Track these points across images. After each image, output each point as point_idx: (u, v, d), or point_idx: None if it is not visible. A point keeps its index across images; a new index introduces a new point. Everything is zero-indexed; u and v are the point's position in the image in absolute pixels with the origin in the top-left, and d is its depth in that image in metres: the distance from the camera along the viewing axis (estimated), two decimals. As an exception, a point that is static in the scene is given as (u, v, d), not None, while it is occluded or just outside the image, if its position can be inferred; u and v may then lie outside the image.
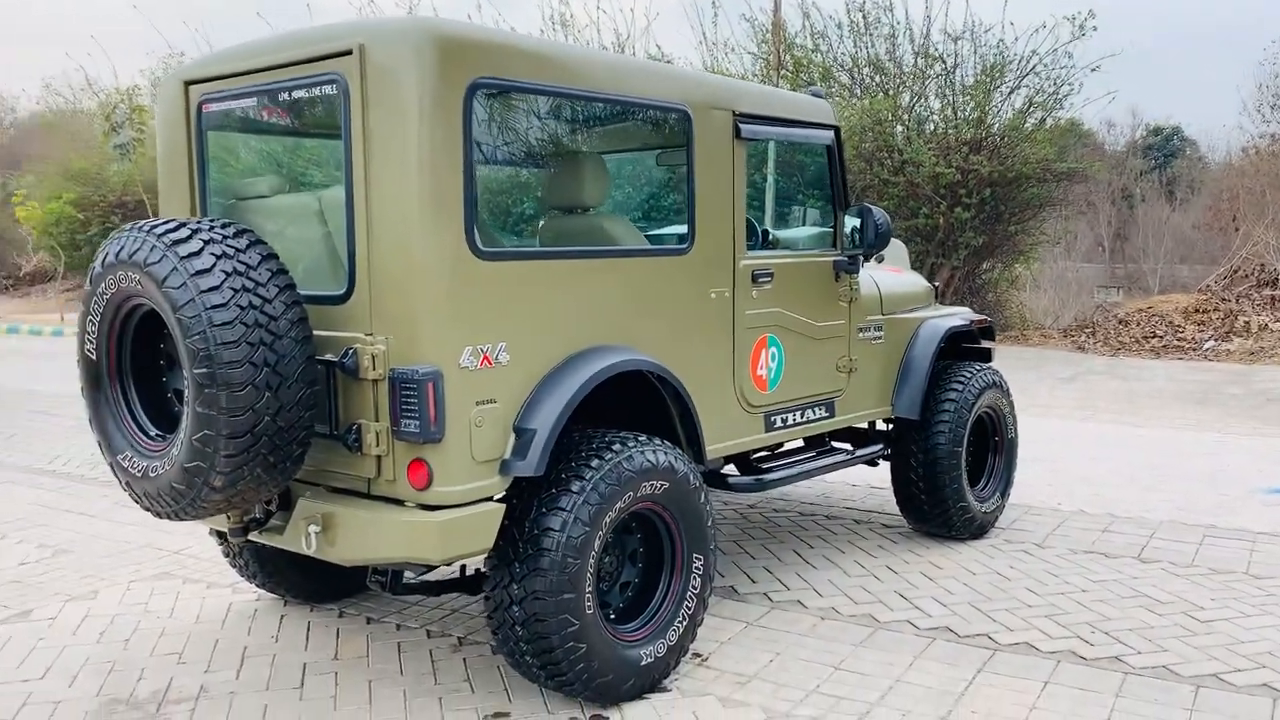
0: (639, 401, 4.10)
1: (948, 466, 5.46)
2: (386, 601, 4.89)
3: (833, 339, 5.02)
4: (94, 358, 3.55)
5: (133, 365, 3.58)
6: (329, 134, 3.85)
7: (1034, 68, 15.35)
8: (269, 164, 4.30)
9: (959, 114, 15.62)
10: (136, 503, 3.53)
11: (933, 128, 15.94)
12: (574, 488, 3.57)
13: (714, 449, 4.33)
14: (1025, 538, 5.81)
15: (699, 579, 4.00)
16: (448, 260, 3.37)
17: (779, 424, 4.73)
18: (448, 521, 3.33)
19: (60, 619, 4.72)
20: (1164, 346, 15.44)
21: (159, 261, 3.22)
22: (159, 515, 3.50)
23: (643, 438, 3.82)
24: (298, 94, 3.66)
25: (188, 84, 3.99)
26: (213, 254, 3.23)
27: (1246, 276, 17.01)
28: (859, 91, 16.35)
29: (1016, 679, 3.96)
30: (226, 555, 4.73)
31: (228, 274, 3.21)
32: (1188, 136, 38.35)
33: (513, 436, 3.55)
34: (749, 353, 4.52)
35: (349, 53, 3.40)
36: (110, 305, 3.44)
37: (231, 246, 3.29)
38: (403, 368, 3.33)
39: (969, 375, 5.64)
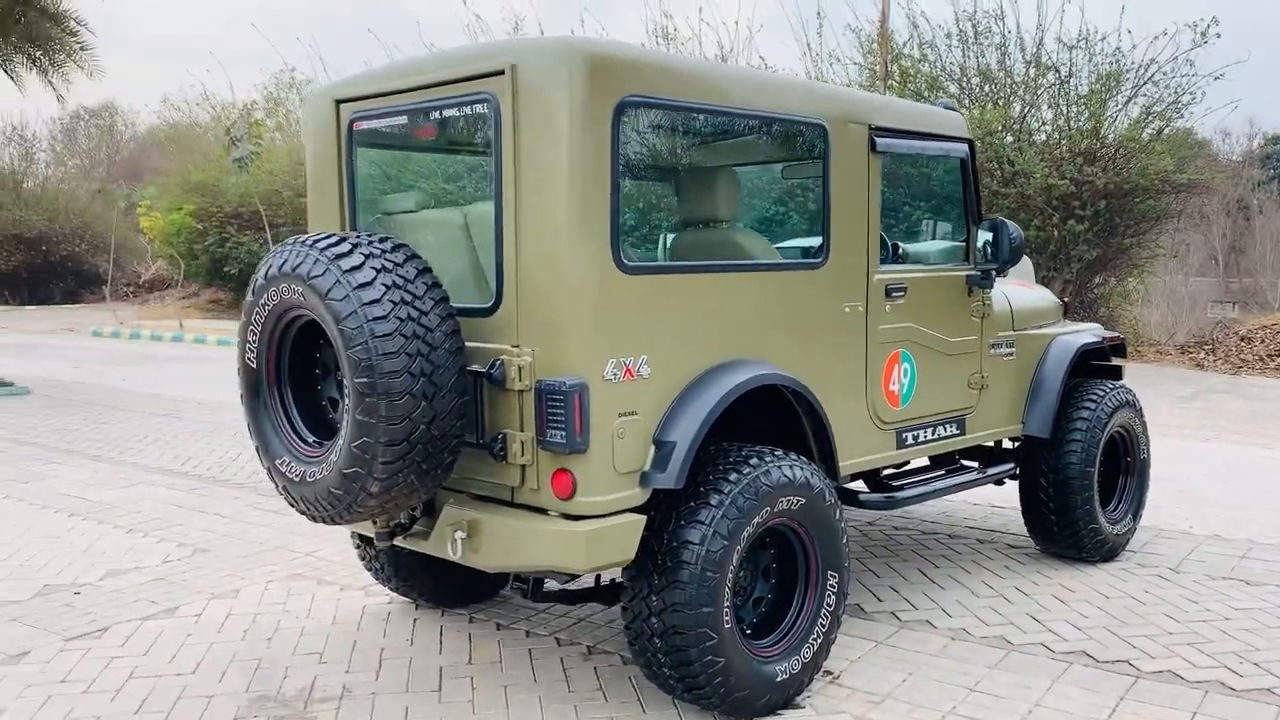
0: (771, 416, 4.10)
1: (1079, 487, 5.33)
2: (514, 608, 4.97)
3: (965, 355, 4.95)
4: (254, 366, 3.69)
5: (291, 374, 3.72)
6: (477, 151, 3.96)
7: (1152, 76, 14.92)
8: (415, 179, 4.43)
9: (1072, 124, 15.25)
10: (292, 506, 3.66)
11: (1044, 138, 15.60)
12: (713, 501, 3.59)
13: (846, 465, 4.31)
14: (1158, 562, 5.64)
15: (833, 596, 3.98)
16: (594, 274, 3.42)
17: (910, 441, 4.69)
18: (593, 531, 3.38)
19: (205, 616, 4.91)
20: (1291, 365, 14.83)
21: (322, 275, 3.34)
22: (314, 519, 3.62)
23: (779, 452, 3.82)
24: (448, 112, 3.76)
25: (339, 102, 4.13)
26: (373, 268, 3.34)
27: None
28: (968, 102, 16.09)
29: (1163, 708, 3.85)
30: (363, 559, 4.87)
31: (388, 287, 3.31)
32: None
33: (652, 449, 3.59)
34: (881, 368, 4.49)
35: (501, 72, 3.48)
36: (271, 316, 3.58)
37: (390, 260, 3.40)
38: (549, 379, 3.40)
39: (1102, 393, 5.50)
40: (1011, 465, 5.30)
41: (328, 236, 3.46)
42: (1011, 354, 5.29)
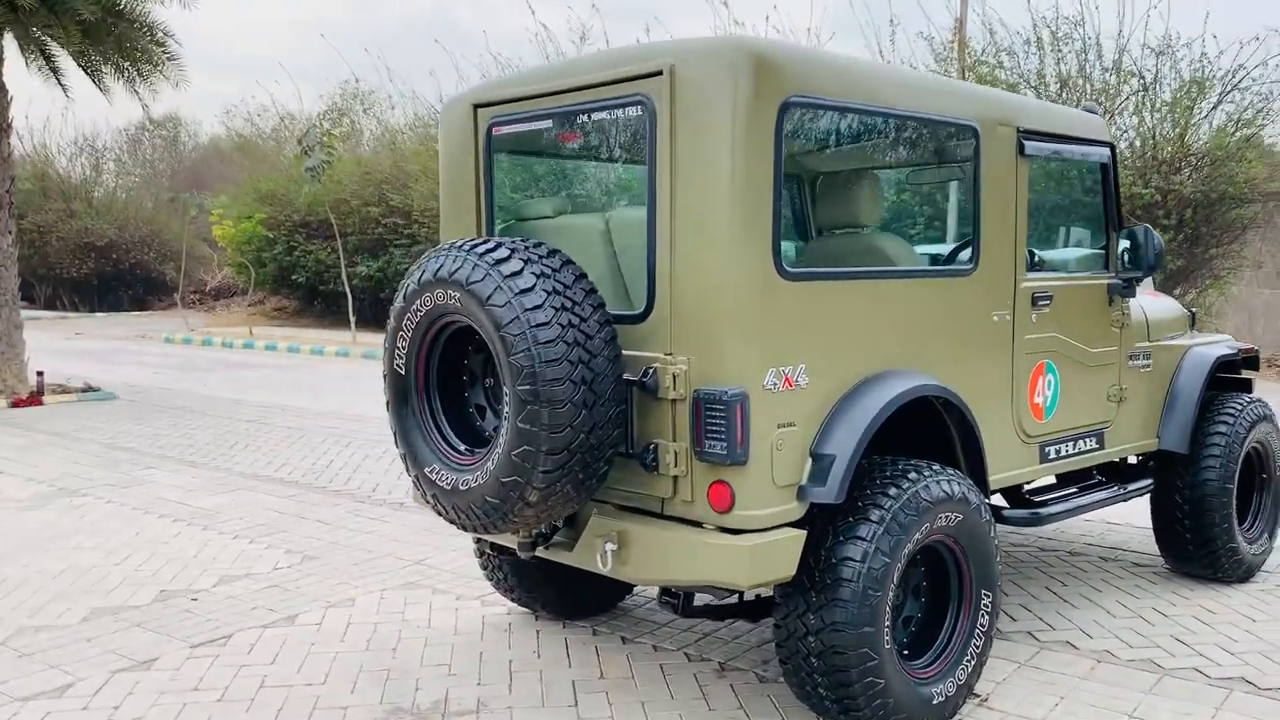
0: (919, 428, 3.97)
1: (1217, 505, 5.13)
2: (636, 620, 4.88)
3: (1105, 366, 4.79)
4: (403, 373, 3.64)
5: (440, 381, 3.66)
6: (624, 155, 3.88)
7: (1239, 82, 14.56)
8: (552, 185, 4.37)
9: (1157, 132, 14.92)
10: (441, 515, 3.60)
11: (1126, 146, 15.28)
12: (873, 516, 3.47)
13: (993, 480, 4.17)
14: (1297, 583, 5.41)
15: (987, 616, 3.84)
16: (755, 280, 3.33)
17: (1052, 455, 4.53)
18: (758, 546, 3.27)
19: (326, 624, 4.88)
20: (1385, 380, 14.35)
21: (482, 280, 3.27)
22: (464, 528, 3.56)
23: (936, 466, 3.70)
24: (598, 116, 3.69)
25: (477, 107, 4.08)
26: (534, 273, 3.27)
27: None
28: (1047, 109, 15.78)
29: (1340, 739, 3.66)
30: (485, 568, 4.80)
31: (549, 293, 3.25)
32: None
33: (809, 461, 3.48)
34: (1027, 379, 4.34)
35: (658, 74, 3.40)
36: (424, 322, 3.53)
37: (549, 266, 3.33)
38: (709, 388, 3.30)
39: (1239, 407, 5.30)
40: (1150, 481, 5.11)
41: (485, 242, 3.40)
42: (1149, 365, 5.11)
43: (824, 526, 3.51)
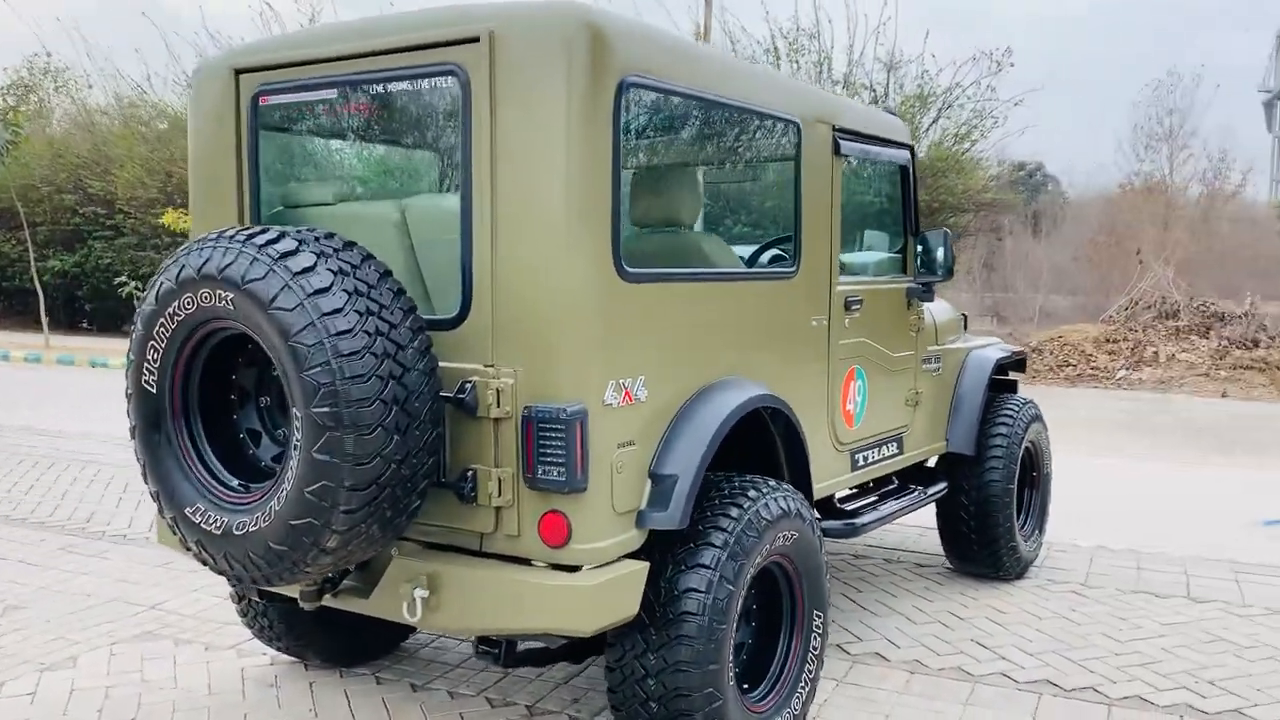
0: (744, 440, 3.70)
1: (1001, 505, 5.22)
2: (424, 662, 4.35)
3: (904, 371, 4.74)
4: (154, 391, 2.96)
5: (201, 402, 3.01)
6: (426, 134, 3.36)
7: (957, 99, 15.62)
8: (331, 166, 3.76)
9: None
10: (208, 566, 2.95)
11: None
12: (716, 541, 3.15)
13: (815, 491, 3.96)
14: (1065, 577, 5.62)
15: (818, 638, 3.62)
16: (596, 282, 2.93)
17: (861, 462, 4.41)
18: (602, 585, 2.87)
19: (41, 694, 4.02)
20: (1078, 375, 15.83)
21: (263, 278, 2.68)
22: (239, 580, 2.93)
23: (771, 481, 3.43)
24: (397, 87, 3.16)
25: (238, 72, 3.43)
26: (330, 270, 2.71)
27: (1149, 308, 17.63)
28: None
29: (1151, 738, 3.71)
30: (244, 615, 4.11)
31: (350, 294, 2.70)
32: (1049, 173, 40.25)
33: (648, 483, 3.12)
34: (840, 386, 4.18)
35: (474, 39, 2.93)
36: (182, 329, 2.87)
37: (347, 262, 2.78)
38: (544, 405, 2.87)
39: (1016, 408, 5.43)
40: (945, 484, 5.12)
41: (264, 232, 2.80)
42: (938, 369, 5.13)
43: (662, 555, 3.15)
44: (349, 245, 2.86)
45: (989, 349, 5.57)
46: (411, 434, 2.74)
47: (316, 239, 2.81)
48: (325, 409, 2.61)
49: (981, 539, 5.29)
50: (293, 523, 2.70)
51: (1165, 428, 11.78)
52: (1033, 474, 5.74)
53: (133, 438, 3.04)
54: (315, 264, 2.70)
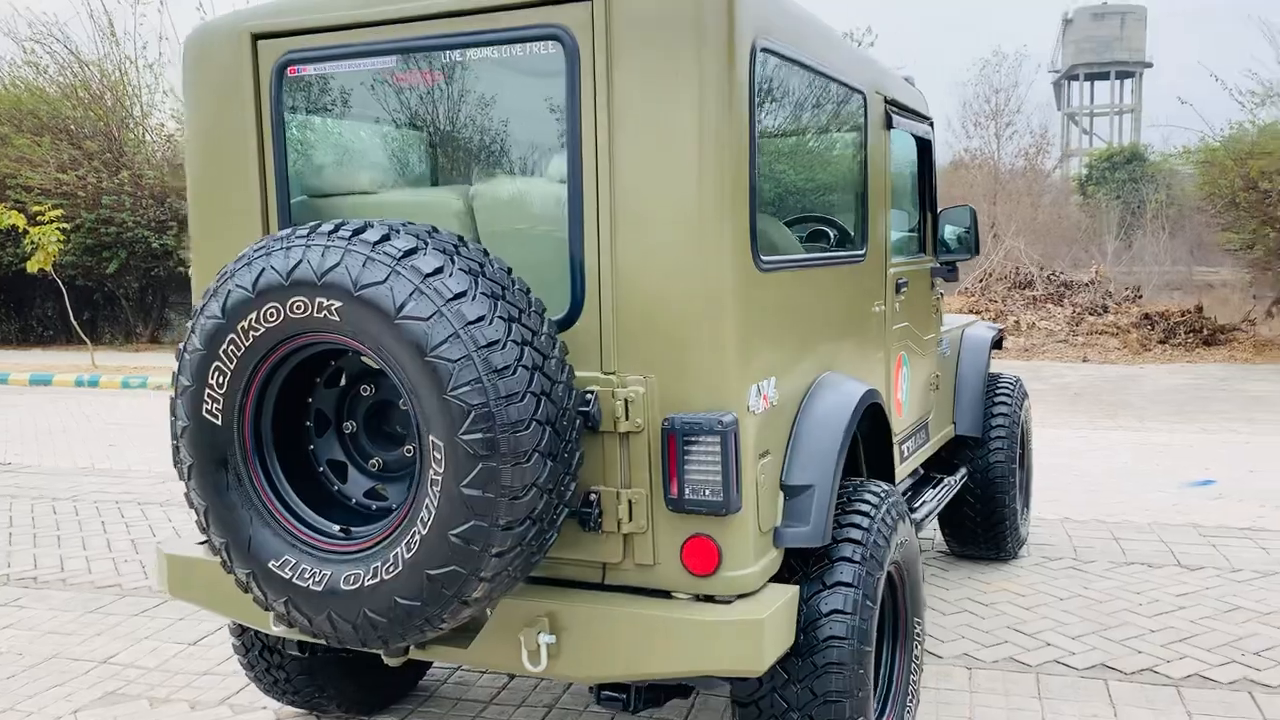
0: None
1: (1006, 485, 5.15)
2: (450, 704, 3.90)
3: (930, 355, 4.56)
4: (218, 423, 2.44)
5: (275, 434, 2.51)
6: (507, 109, 2.92)
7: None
8: (365, 147, 3.25)
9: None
10: (299, 625, 2.46)
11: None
12: (853, 555, 2.87)
13: (888, 489, 3.73)
14: (1054, 553, 5.61)
15: (919, 645, 3.40)
16: (737, 274, 2.58)
17: (906, 453, 4.20)
18: (774, 616, 2.54)
19: (12, 783, 3.38)
20: (948, 346, 16.28)
21: (383, 282, 2.22)
22: (345, 641, 2.46)
23: (882, 485, 3.17)
24: (477, 54, 2.72)
25: (256, 37, 2.91)
26: (463, 270, 2.27)
27: (1003, 279, 18.34)
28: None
29: (1235, 719, 3.66)
30: (251, 666, 3.58)
31: (491, 299, 2.27)
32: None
33: (781, 496, 2.81)
34: (894, 374, 3.97)
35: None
36: (260, 346, 2.37)
37: (474, 261, 2.35)
38: (690, 416, 2.51)
39: (1011, 387, 5.37)
40: (965, 470, 4.99)
41: (367, 227, 2.33)
42: (948, 352, 4.99)
43: (797, 574, 2.85)
44: (464, 241, 2.42)
45: (977, 328, 5.48)
46: (561, 458, 2.34)
47: (431, 234, 2.36)
48: (478, 435, 2.18)
49: (986, 521, 5.20)
50: (431, 573, 2.26)
51: (1046, 395, 12.16)
52: (1022, 452, 5.70)
53: (186, 479, 2.51)
54: (446, 265, 2.26)
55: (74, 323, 16.10)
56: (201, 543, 3.20)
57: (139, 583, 5.36)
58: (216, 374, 2.41)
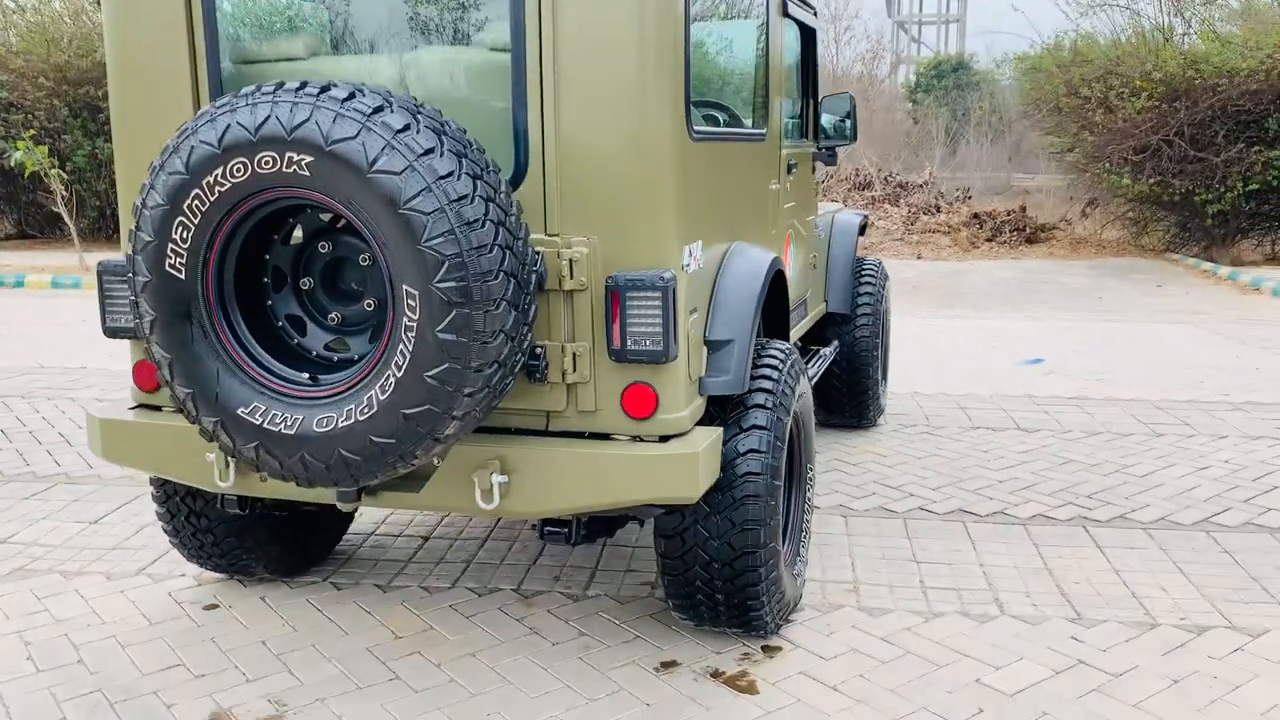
0: None
1: (870, 359, 5.60)
2: (372, 564, 4.08)
3: (810, 236, 4.90)
4: (181, 276, 2.52)
5: (236, 288, 2.60)
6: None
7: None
8: (294, 14, 3.26)
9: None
10: (268, 469, 2.61)
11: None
12: (765, 403, 3.18)
13: (781, 352, 4.07)
14: (909, 421, 6.15)
15: (811, 489, 3.78)
16: (674, 141, 2.80)
17: (793, 325, 4.54)
18: (707, 450, 2.83)
19: (-61, 651, 3.40)
20: (793, 244, 16.91)
21: (355, 137, 2.34)
22: (312, 483, 2.62)
23: (783, 343, 3.49)
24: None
25: None
26: (430, 129, 2.41)
27: (844, 180, 19.05)
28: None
29: (1076, 548, 4.21)
30: (175, 533, 3.67)
31: (457, 156, 2.42)
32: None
33: (705, 350, 3.08)
34: (784, 251, 4.27)
35: None
36: (226, 201, 2.46)
37: (435, 120, 2.48)
38: (632, 274, 2.74)
39: (874, 267, 5.79)
40: (837, 343, 5.39)
41: (329, 86, 2.42)
42: (822, 235, 5.34)
43: (716, 419, 3.14)
44: (421, 103, 2.54)
45: (845, 214, 5.85)
46: (521, 308, 2.54)
47: (391, 95, 2.48)
48: (452, 283, 2.35)
49: (852, 391, 5.66)
50: (407, 411, 2.44)
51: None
52: (882, 330, 6.17)
53: (145, 332, 2.59)
54: (412, 123, 2.39)
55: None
56: (134, 407, 3.27)
57: (20, 469, 5.27)
58: (180, 229, 2.48)
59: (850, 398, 5.69)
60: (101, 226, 16.80)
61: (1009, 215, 16.98)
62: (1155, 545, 4.23)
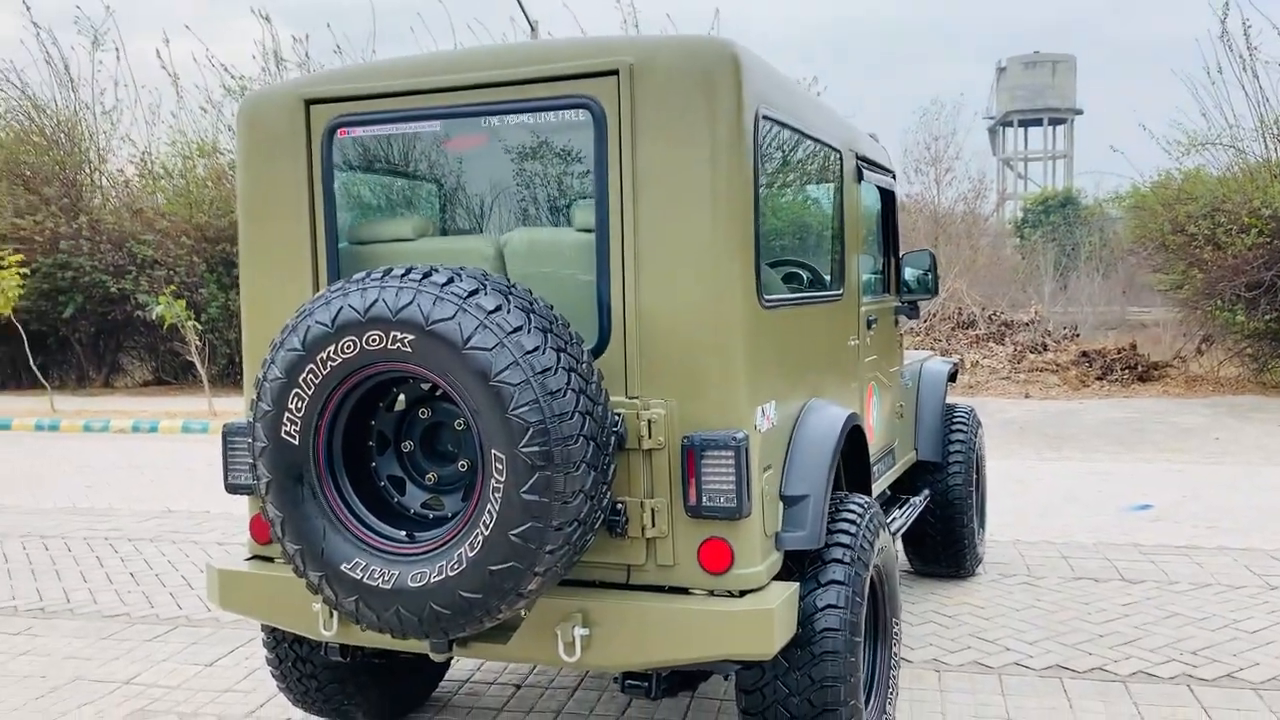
0: None
1: (964, 507, 5.58)
2: (464, 711, 4.20)
3: (895, 386, 5.00)
4: (295, 443, 2.77)
5: (345, 451, 2.85)
6: (536, 167, 3.31)
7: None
8: (404, 200, 3.61)
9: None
10: (369, 624, 2.79)
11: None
12: (843, 557, 3.26)
13: (864, 505, 4.14)
14: (1009, 570, 6.05)
15: (898, 644, 3.79)
16: (744, 310, 2.99)
17: (877, 475, 4.62)
18: (782, 606, 2.92)
19: (63, 789, 3.62)
20: (896, 384, 16.86)
21: (452, 318, 2.59)
22: (407, 635, 2.78)
23: (864, 497, 3.58)
24: (511, 120, 3.11)
25: (309, 103, 3.28)
26: (519, 309, 2.65)
27: (946, 319, 19.03)
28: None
29: (1177, 707, 4.08)
30: (283, 677, 3.85)
31: (543, 332, 2.65)
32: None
33: (780, 505, 3.20)
34: (866, 402, 4.39)
35: (613, 73, 2.94)
36: (336, 375, 2.72)
37: (525, 300, 2.73)
38: (706, 434, 2.90)
39: (965, 414, 5.82)
40: (929, 492, 5.42)
41: (429, 271, 2.70)
42: (909, 384, 5.43)
43: (794, 574, 3.23)
44: (513, 283, 2.80)
45: (935, 362, 5.94)
46: (601, 469, 2.71)
47: (485, 278, 2.74)
48: (535, 448, 2.55)
49: (947, 540, 5.63)
50: (493, 568, 2.61)
51: (992, 429, 12.70)
52: (976, 477, 6.15)
53: (264, 495, 2.84)
54: (503, 305, 2.63)
55: (33, 366, 16.03)
56: (249, 559, 3.52)
57: (145, 611, 5.58)
58: (295, 399, 2.75)
59: (945, 547, 5.66)
60: (230, 373, 17.86)
61: (1119, 353, 16.66)
62: (1265, 707, 4.07)
